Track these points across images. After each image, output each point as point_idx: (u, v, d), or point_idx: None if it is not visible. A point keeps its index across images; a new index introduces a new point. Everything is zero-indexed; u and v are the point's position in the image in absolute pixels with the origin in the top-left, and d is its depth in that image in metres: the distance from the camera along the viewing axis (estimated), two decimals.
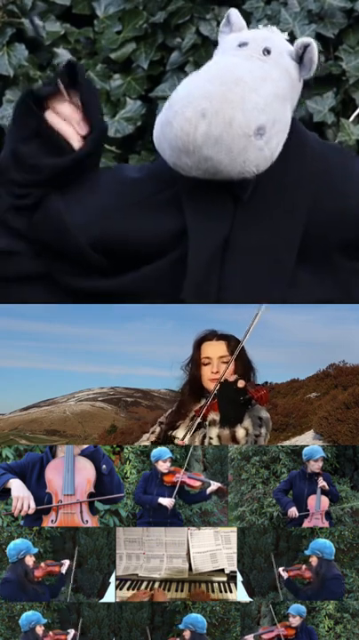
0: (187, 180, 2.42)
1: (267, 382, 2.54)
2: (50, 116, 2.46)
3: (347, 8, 4.14)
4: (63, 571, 2.44)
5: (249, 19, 4.10)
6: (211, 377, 2.58)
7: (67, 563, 2.45)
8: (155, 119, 2.42)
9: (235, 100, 2.31)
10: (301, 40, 2.44)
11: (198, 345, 2.63)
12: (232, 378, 2.50)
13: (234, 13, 2.51)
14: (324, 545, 2.48)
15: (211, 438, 2.50)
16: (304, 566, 2.48)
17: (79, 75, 2.48)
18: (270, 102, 2.37)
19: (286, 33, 2.52)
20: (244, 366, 2.59)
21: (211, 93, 2.31)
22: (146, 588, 2.49)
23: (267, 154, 2.37)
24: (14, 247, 2.47)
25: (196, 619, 2.44)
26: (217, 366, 2.58)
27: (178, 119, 2.32)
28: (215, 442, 2.49)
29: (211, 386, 2.57)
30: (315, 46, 2.44)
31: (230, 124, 2.31)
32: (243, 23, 2.52)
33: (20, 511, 2.42)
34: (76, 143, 2.47)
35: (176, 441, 2.58)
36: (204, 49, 4.17)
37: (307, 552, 2.48)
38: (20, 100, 2.48)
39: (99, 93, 4.30)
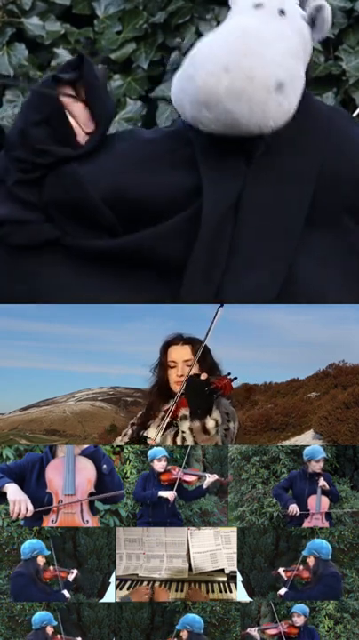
0: (200, 140, 2.45)
1: (229, 374, 2.56)
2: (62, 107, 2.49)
3: (347, 8, 4.14)
4: (70, 578, 2.45)
5: None
6: (176, 380, 2.63)
7: (75, 572, 2.46)
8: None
9: (256, 54, 2.36)
10: (315, 2, 2.50)
11: (165, 349, 2.68)
12: (196, 371, 2.56)
13: None
14: (321, 545, 2.49)
15: (183, 432, 2.53)
16: (301, 566, 2.49)
17: (87, 71, 2.51)
18: (287, 59, 2.41)
19: None
20: (210, 367, 2.61)
21: (232, 48, 2.36)
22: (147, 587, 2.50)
23: (285, 108, 2.41)
24: (25, 217, 2.50)
25: (193, 619, 2.44)
26: (182, 370, 2.63)
27: (200, 73, 2.36)
28: (187, 435, 2.52)
29: (177, 388, 2.61)
30: (328, 8, 2.50)
31: (252, 78, 2.35)
32: None
33: (19, 514, 2.42)
34: (82, 139, 2.51)
35: (148, 441, 2.60)
36: None
37: (304, 552, 2.49)
38: (42, 84, 2.52)
39: None
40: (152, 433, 2.61)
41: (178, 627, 2.44)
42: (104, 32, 4.32)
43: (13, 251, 2.50)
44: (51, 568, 2.45)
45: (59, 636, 2.43)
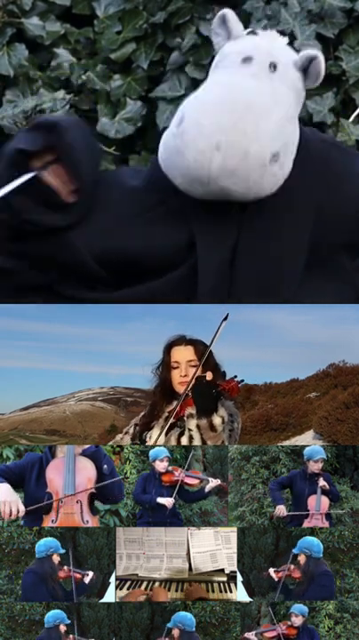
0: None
1: (236, 376, 2.56)
2: (39, 170, 2.41)
3: (347, 8, 4.14)
4: (86, 581, 2.44)
5: (249, 19, 4.10)
6: (180, 380, 2.64)
7: (91, 574, 2.45)
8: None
9: (249, 130, 2.28)
10: (308, 53, 2.41)
11: (168, 349, 2.68)
12: (199, 374, 2.56)
13: (231, 17, 2.45)
14: (312, 543, 2.48)
15: (190, 430, 2.54)
16: (292, 566, 2.48)
17: (59, 137, 2.41)
18: (282, 126, 2.34)
19: (286, 37, 2.47)
20: (213, 370, 2.61)
21: (223, 124, 2.28)
22: (145, 588, 2.49)
23: (280, 176, 2.36)
24: (14, 267, 2.47)
25: (185, 617, 2.43)
26: (185, 370, 2.64)
27: (190, 151, 2.29)
28: (195, 433, 2.53)
29: (180, 389, 2.61)
30: (321, 59, 2.40)
31: (246, 155, 2.28)
32: (241, 27, 2.45)
33: (10, 515, 2.42)
34: (67, 196, 2.45)
35: (149, 442, 2.60)
36: (204, 49, 4.17)
37: (294, 550, 2.48)
38: (9, 160, 2.41)
39: (99, 95, 4.32)
40: (155, 433, 2.61)
41: (169, 625, 2.43)
42: (104, 32, 4.32)
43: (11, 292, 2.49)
44: (66, 568, 2.44)
45: (71, 636, 2.42)
